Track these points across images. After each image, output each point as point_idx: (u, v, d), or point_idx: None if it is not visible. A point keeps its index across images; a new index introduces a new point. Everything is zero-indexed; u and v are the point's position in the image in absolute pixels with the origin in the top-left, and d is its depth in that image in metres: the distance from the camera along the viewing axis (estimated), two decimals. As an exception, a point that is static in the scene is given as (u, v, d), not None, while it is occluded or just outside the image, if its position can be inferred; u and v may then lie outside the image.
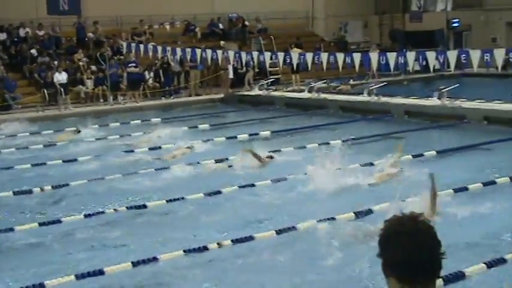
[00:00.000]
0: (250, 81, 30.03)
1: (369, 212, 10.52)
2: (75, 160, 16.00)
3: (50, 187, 13.13)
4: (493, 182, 12.16)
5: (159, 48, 28.12)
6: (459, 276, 7.77)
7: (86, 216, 11.02)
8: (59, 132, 20.66)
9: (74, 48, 30.53)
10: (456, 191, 11.63)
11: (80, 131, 20.07)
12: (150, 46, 28.63)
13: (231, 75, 30.03)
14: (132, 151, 16.97)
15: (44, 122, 23.26)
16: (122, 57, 29.37)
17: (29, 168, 15.27)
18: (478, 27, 38.40)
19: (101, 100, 27.49)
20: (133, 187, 13.26)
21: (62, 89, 25.71)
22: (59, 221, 10.78)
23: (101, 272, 8.42)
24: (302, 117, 22.87)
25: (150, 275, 8.56)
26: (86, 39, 31.60)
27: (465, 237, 9.42)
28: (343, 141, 15.61)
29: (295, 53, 26.58)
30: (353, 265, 8.44)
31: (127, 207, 11.44)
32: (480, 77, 29.15)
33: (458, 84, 22.38)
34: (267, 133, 19.10)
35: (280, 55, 26.12)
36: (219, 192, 12.33)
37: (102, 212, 11.24)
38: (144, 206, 11.54)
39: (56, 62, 27.87)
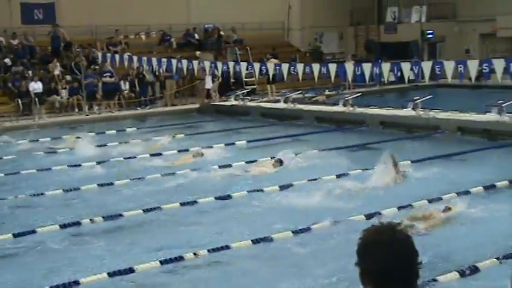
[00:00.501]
0: (215, 91, 29.76)
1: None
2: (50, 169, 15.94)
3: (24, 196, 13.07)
4: (467, 192, 12.26)
5: (135, 58, 28.06)
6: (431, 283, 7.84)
7: (61, 226, 10.93)
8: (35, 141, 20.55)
9: (49, 58, 30.32)
10: (430, 201, 11.74)
11: (80, 138, 20.07)
12: (125, 56, 28.55)
13: (209, 85, 29.99)
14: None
15: (18, 131, 23.04)
16: (97, 67, 29.23)
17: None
18: (451, 38, 38.83)
19: (76, 110, 27.31)
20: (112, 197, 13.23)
21: (37, 99, 25.54)
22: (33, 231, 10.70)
23: (76, 283, 8.35)
24: (278, 128, 22.90)
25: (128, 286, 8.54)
26: (61, 48, 31.42)
27: (439, 246, 9.49)
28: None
29: (271, 64, 26.64)
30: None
31: (103, 217, 11.37)
32: (454, 87, 29.45)
33: (432, 95, 22.59)
34: (242, 143, 19.11)
35: (256, 65, 26.19)
36: (195, 202, 12.32)
37: (78, 223, 11.14)
38: (120, 215, 11.49)
39: (30, 72, 27.67)
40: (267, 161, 15.77)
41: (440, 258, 8.96)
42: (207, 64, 26.85)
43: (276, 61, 28.59)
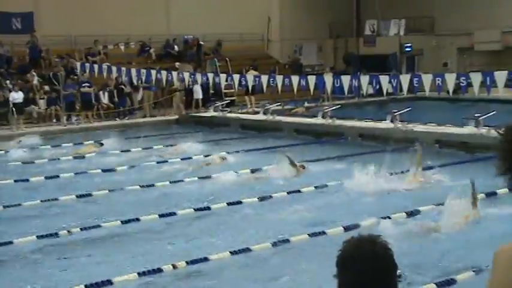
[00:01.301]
0: (179, 103, 29.75)
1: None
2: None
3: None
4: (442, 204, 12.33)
5: (114, 68, 27.98)
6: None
7: (38, 237, 10.84)
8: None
9: (27, 68, 30.12)
10: (408, 214, 11.80)
11: (102, 144, 20.77)
12: (104, 66, 28.46)
13: (199, 96, 30.05)
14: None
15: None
16: (75, 77, 29.09)
17: None
18: (429, 52, 39.16)
19: (54, 120, 27.14)
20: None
21: (14, 109, 25.37)
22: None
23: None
24: (257, 139, 22.90)
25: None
26: (40, 58, 31.25)
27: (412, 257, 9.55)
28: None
29: (250, 75, 26.70)
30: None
31: (81, 229, 11.29)
32: (432, 100, 29.66)
33: (410, 108, 22.73)
34: (222, 154, 19.09)
35: (236, 77, 26.23)
36: (174, 213, 12.30)
37: (56, 234, 11.04)
38: (99, 226, 11.43)
39: (8, 82, 27.47)
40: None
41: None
42: (186, 75, 26.85)
43: (256, 73, 28.67)
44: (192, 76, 27.36)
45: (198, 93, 30.12)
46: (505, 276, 2.03)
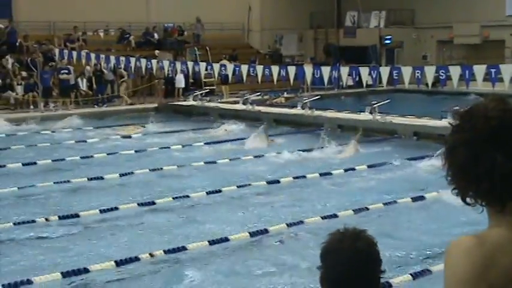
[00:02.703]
0: (121, 93, 29.38)
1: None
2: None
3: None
4: (422, 198, 12.41)
5: (93, 55, 27.78)
6: (385, 286, 7.91)
7: (15, 224, 10.76)
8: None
9: (3, 53, 29.78)
10: (385, 204, 11.87)
11: (144, 126, 22.57)
12: (83, 53, 28.24)
13: (181, 84, 29.91)
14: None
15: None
16: (54, 63, 28.82)
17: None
18: (409, 44, 39.33)
19: (31, 107, 26.89)
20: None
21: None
22: None
23: (28, 282, 8.22)
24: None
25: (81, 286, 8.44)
26: (17, 44, 30.93)
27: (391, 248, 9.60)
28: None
29: (230, 65, 26.63)
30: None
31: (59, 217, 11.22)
32: (411, 93, 29.78)
33: (389, 100, 22.79)
34: (200, 144, 19.07)
35: (216, 66, 26.15)
36: (153, 203, 12.27)
37: (33, 221, 10.96)
38: (77, 216, 11.35)
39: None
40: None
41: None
42: (166, 64, 26.73)
43: (227, 62, 28.65)
44: (172, 64, 27.24)
45: (181, 82, 29.98)
46: (465, 274, 1.91)
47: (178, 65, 26.98)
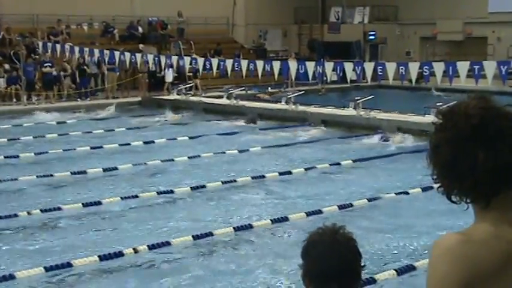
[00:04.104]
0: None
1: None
2: None
3: None
4: (406, 193, 12.49)
5: (76, 48, 27.63)
6: (370, 282, 7.97)
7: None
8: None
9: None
10: (370, 200, 11.95)
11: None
12: (66, 46, 28.08)
13: (169, 79, 29.76)
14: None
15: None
16: (37, 56, 28.63)
17: None
18: (393, 40, 39.46)
19: (14, 100, 26.71)
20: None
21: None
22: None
23: (11, 277, 8.20)
24: (219, 124, 22.84)
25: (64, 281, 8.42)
26: (0, 36, 30.68)
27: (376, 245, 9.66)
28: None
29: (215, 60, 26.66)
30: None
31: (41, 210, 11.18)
32: (395, 89, 29.89)
33: (373, 96, 22.87)
34: (185, 138, 19.06)
35: (200, 60, 26.12)
36: (136, 196, 12.25)
37: (16, 215, 10.90)
38: (59, 209, 11.32)
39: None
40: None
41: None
42: (150, 57, 26.65)
43: (196, 56, 28.69)
44: (156, 58, 27.17)
45: (170, 76, 29.80)
46: (448, 272, 1.93)
47: (162, 59, 26.91)
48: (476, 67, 19.83)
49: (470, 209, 2.06)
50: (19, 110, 25.26)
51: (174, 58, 27.19)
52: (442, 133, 2.05)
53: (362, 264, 2.62)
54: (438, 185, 2.07)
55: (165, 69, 28.98)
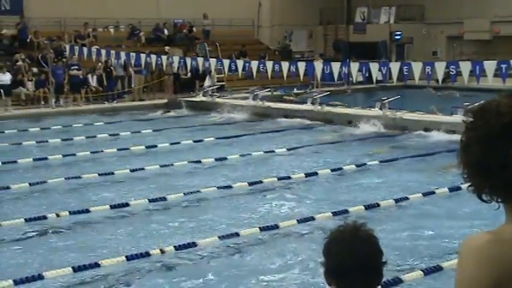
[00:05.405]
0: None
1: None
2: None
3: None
4: (432, 192, 12.42)
5: (103, 51, 27.85)
6: (396, 282, 7.93)
7: (26, 220, 10.82)
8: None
9: (15, 49, 29.90)
10: (397, 201, 11.89)
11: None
12: (93, 49, 28.31)
13: (208, 83, 29.75)
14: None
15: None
16: (64, 59, 28.90)
17: None
18: (419, 40, 39.17)
19: (42, 103, 26.98)
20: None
21: (2, 91, 25.26)
22: None
23: (40, 277, 8.29)
24: (246, 124, 22.87)
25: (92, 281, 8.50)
26: (28, 40, 31.03)
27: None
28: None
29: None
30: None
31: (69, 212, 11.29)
32: (421, 89, 29.66)
33: (400, 96, 22.74)
34: (211, 139, 19.11)
35: (226, 62, 26.18)
36: (164, 198, 12.31)
37: (44, 217, 11.00)
38: (87, 211, 11.41)
39: (-3, 63, 27.29)
40: None
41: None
42: (176, 59, 26.78)
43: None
44: (182, 60, 27.29)
45: (208, 81, 29.75)
46: (476, 272, 1.92)
47: (188, 61, 27.03)
48: (503, 66, 19.64)
49: (501, 209, 2.04)
50: (48, 112, 25.51)
51: (200, 60, 27.28)
52: (473, 132, 2.03)
53: (383, 260, 2.62)
54: (468, 184, 2.06)
55: (197, 71, 28.86)
